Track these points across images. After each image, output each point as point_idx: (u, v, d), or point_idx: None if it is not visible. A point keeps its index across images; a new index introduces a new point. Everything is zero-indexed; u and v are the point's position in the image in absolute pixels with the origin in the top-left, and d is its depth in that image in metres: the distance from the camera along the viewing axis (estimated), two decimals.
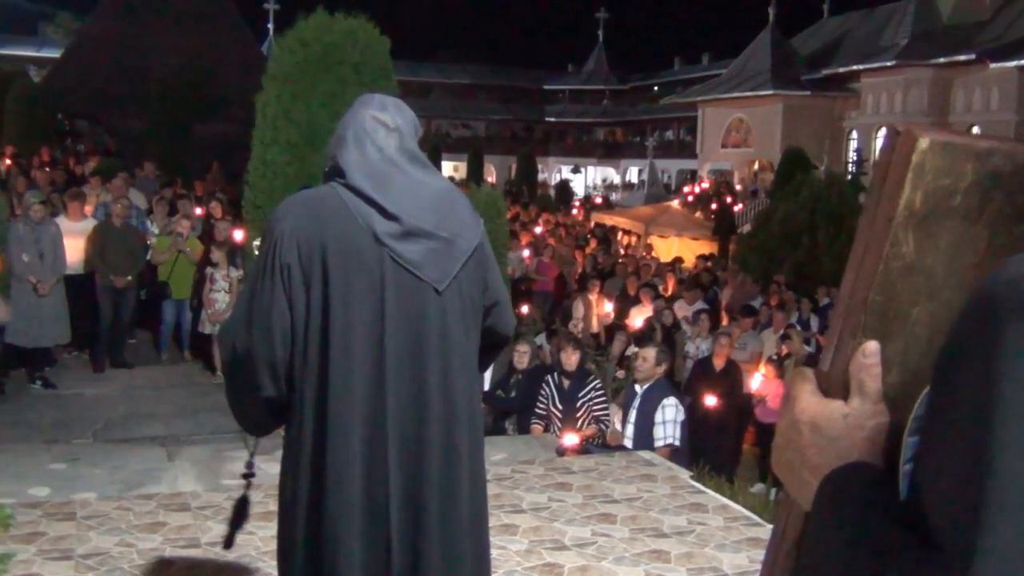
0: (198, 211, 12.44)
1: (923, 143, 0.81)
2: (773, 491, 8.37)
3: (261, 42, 33.21)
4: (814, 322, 12.42)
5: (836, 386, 0.86)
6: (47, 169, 15.52)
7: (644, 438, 6.46)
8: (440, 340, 2.23)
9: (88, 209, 11.05)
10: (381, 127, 2.30)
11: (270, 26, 44.26)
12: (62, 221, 9.69)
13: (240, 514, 2.57)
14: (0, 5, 49.71)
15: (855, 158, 32.29)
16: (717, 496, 5.22)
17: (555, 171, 51.71)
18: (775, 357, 9.59)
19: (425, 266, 2.20)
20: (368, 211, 2.18)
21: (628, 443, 6.52)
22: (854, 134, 34.57)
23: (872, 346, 0.84)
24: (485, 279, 2.36)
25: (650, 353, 6.81)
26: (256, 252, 2.30)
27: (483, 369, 2.58)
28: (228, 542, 2.61)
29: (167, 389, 9.07)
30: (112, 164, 17.66)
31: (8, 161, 16.83)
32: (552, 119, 57.34)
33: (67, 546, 4.18)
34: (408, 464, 2.18)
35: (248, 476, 2.51)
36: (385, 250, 2.17)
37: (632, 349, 9.53)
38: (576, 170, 52.22)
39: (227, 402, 2.38)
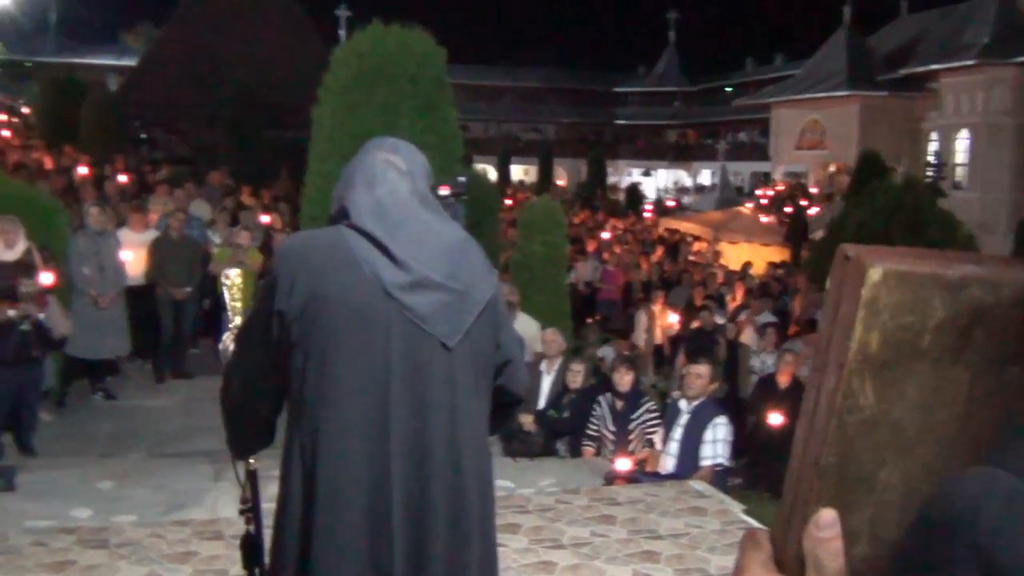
0: (264, 219, 12.54)
1: (874, 275, 0.64)
2: None
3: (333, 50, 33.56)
4: None
5: (790, 562, 0.70)
6: (120, 178, 15.81)
7: (689, 457, 6.21)
8: (448, 398, 2.07)
9: (152, 219, 11.20)
10: (392, 169, 2.18)
11: (342, 32, 44.75)
12: (125, 233, 9.82)
13: (251, 552, 2.44)
14: (81, 14, 51.30)
15: (935, 161, 31.30)
16: None
17: (625, 174, 51.30)
18: None
19: (435, 320, 2.05)
20: (376, 258, 2.04)
21: (670, 461, 6.27)
22: (934, 135, 33.48)
23: (827, 517, 0.68)
24: (497, 336, 2.21)
25: (704, 369, 6.56)
26: None
27: (494, 432, 2.42)
28: None
29: None
30: (182, 172, 17.98)
31: (83, 170, 17.21)
32: (622, 122, 56.91)
33: None
34: (413, 527, 2.03)
35: (245, 511, 2.39)
36: (393, 303, 2.02)
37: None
38: (647, 173, 51.75)
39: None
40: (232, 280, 2.46)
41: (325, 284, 2.02)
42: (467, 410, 2.11)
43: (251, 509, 2.39)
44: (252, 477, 2.39)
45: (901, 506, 0.69)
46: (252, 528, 2.43)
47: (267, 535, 2.38)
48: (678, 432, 6.26)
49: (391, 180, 2.15)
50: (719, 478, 5.99)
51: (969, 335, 0.66)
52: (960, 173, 30.70)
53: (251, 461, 2.41)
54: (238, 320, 2.43)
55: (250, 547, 2.46)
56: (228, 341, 2.37)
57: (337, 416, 2.01)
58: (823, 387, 0.67)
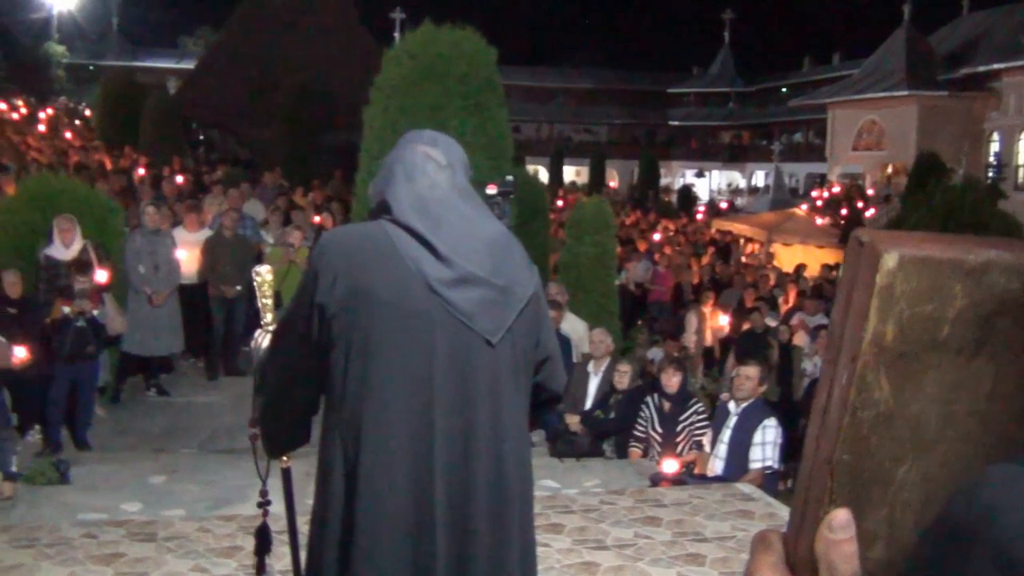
0: (317, 219, 12.66)
1: (889, 261, 0.60)
2: None
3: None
4: None
5: (803, 565, 0.67)
6: (177, 179, 16.08)
7: (738, 460, 6.12)
8: (490, 395, 2.05)
9: (206, 218, 11.36)
10: (431, 162, 2.15)
11: (397, 35, 45.07)
12: (180, 232, 9.98)
13: (263, 543, 2.51)
14: (143, 19, 52.34)
15: (995, 162, 30.58)
16: None
17: (678, 175, 50.93)
18: None
19: (478, 316, 2.02)
20: (419, 253, 2.01)
21: (719, 464, 6.18)
22: (995, 136, 32.74)
23: (841, 518, 0.65)
24: (538, 332, 2.18)
25: (753, 371, 6.46)
26: None
27: (532, 428, 2.40)
28: (259, 569, 2.66)
29: None
30: (237, 173, 18.24)
31: (141, 171, 17.54)
32: (676, 123, 56.51)
33: (143, 569, 4.20)
34: (456, 524, 2.01)
35: (264, 505, 2.42)
36: (437, 299, 2.00)
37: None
38: (700, 174, 51.32)
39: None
40: (263, 277, 2.45)
41: (367, 279, 2.00)
42: (509, 407, 2.09)
43: (270, 502, 2.42)
44: (286, 475, 2.40)
45: (919, 506, 0.66)
46: (269, 521, 2.54)
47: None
48: (727, 434, 6.18)
49: (431, 173, 2.13)
50: (768, 481, 5.91)
51: (992, 325, 0.62)
52: (1022, 174, 29.98)
53: (284, 459, 2.42)
54: (269, 317, 2.42)
55: (264, 538, 2.52)
56: (260, 338, 2.36)
57: (380, 412, 1.99)
58: (835, 381, 0.64)
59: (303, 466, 2.93)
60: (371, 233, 2.08)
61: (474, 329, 2.02)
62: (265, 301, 2.44)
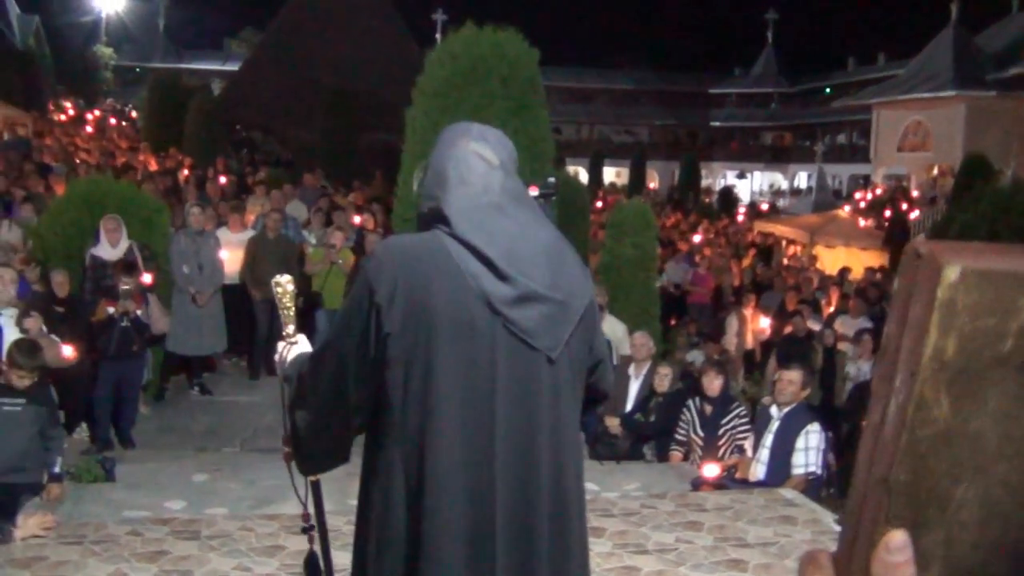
0: (357, 220, 12.73)
1: (951, 274, 0.58)
2: None
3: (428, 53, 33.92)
4: None
5: None
6: (220, 180, 16.26)
7: (780, 465, 6.04)
8: (551, 411, 2.02)
9: (249, 219, 11.48)
10: (482, 163, 2.07)
11: (438, 36, 45.24)
12: (223, 232, 10.08)
13: (314, 572, 2.44)
14: (188, 21, 53.02)
15: None
16: None
17: (720, 177, 50.57)
18: None
19: (539, 334, 1.98)
20: (479, 270, 1.95)
21: (761, 469, 6.11)
22: None
23: (899, 539, 0.62)
24: (591, 339, 2.14)
25: (796, 375, 6.37)
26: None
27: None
28: None
29: None
30: (280, 174, 18.40)
31: (186, 172, 17.76)
32: (717, 123, 56.11)
33: (187, 567, 4.25)
34: (517, 546, 1.98)
35: (309, 530, 2.37)
36: (498, 317, 1.95)
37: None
38: (742, 176, 50.91)
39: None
40: (283, 286, 2.36)
41: (428, 295, 1.94)
42: (568, 419, 2.07)
43: (314, 527, 2.35)
44: (316, 489, 2.36)
45: (978, 527, 0.63)
46: (316, 548, 2.41)
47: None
48: (769, 439, 6.11)
49: (483, 176, 2.06)
50: (811, 487, 5.83)
51: None
52: None
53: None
54: (291, 328, 2.32)
55: (314, 567, 2.44)
56: (284, 351, 2.27)
57: (443, 431, 1.94)
58: (892, 398, 0.62)
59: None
60: (429, 246, 2.00)
61: (535, 347, 1.98)
62: (286, 312, 2.35)
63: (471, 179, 2.05)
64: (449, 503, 1.94)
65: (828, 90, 51.37)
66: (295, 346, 2.28)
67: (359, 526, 2.10)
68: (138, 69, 48.91)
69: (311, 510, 2.46)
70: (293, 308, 2.35)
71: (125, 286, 7.36)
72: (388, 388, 1.97)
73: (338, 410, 2.06)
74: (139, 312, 7.43)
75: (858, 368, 9.94)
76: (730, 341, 12.14)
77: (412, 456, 1.96)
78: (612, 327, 8.48)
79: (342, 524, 4.80)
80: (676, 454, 6.96)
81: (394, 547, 1.99)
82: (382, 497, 2.01)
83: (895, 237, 21.93)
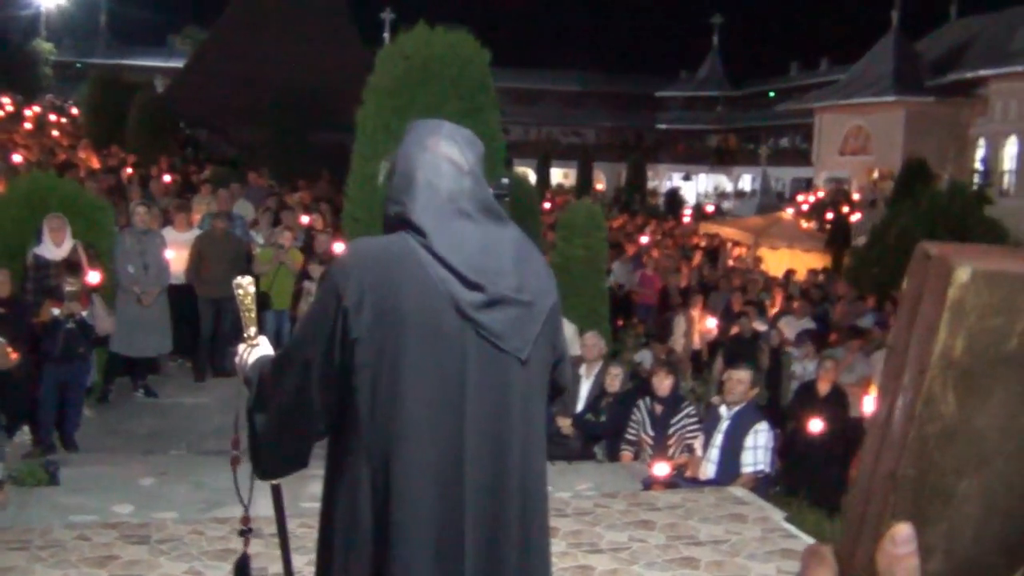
0: (305, 220, 12.62)
1: (962, 274, 0.60)
2: None
3: (376, 52, 33.74)
4: None
5: None
6: (164, 178, 16.01)
7: (730, 464, 6.13)
8: (522, 414, 2.03)
9: (195, 219, 11.32)
10: (452, 167, 2.06)
11: (386, 35, 45.01)
12: (168, 231, 9.92)
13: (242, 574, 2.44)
14: (130, 17, 52.10)
15: (982, 168, 30.76)
16: (811, 541, 4.90)
17: (666, 179, 51.04)
18: None
19: (508, 336, 1.98)
20: (447, 276, 1.95)
21: (711, 468, 6.20)
22: (981, 142, 32.90)
23: (905, 532, 0.64)
24: (554, 338, 2.16)
25: (744, 375, 6.48)
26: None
27: None
28: None
29: None
30: (225, 173, 18.16)
31: (129, 170, 17.44)
32: (664, 126, 56.64)
33: (137, 572, 4.18)
34: (486, 556, 1.98)
35: (246, 533, 2.35)
36: (468, 322, 1.95)
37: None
38: (687, 178, 51.42)
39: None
40: (245, 288, 2.34)
41: (396, 300, 1.92)
42: (537, 420, 2.08)
43: (251, 531, 2.33)
44: (276, 493, 2.34)
45: (978, 520, 0.66)
46: (250, 551, 2.43)
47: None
48: (719, 438, 6.19)
49: (451, 180, 2.04)
50: (760, 485, 5.92)
51: None
52: (1008, 180, 30.17)
53: None
54: (252, 330, 2.28)
55: (244, 570, 2.44)
56: (244, 354, 2.23)
57: (411, 436, 1.94)
58: (900, 394, 0.64)
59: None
60: (399, 250, 1.98)
61: (505, 349, 1.98)
62: (247, 313, 2.33)
63: (439, 184, 2.03)
64: (416, 506, 1.93)
65: (772, 94, 52.13)
66: (256, 348, 2.24)
67: (323, 529, 2.08)
68: (79, 64, 47.95)
69: (254, 513, 2.46)
70: (254, 310, 2.31)
71: (70, 287, 7.22)
72: (355, 393, 1.95)
73: (301, 415, 2.03)
74: (84, 313, 7.29)
75: (803, 368, 10.11)
76: (677, 341, 12.25)
77: (378, 461, 1.95)
78: (563, 327, 8.51)
79: (295, 527, 4.77)
80: (627, 454, 7.02)
81: (362, 551, 1.98)
82: (348, 501, 1.99)
83: (837, 239, 22.36)
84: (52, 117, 29.27)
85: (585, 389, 7.74)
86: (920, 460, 0.63)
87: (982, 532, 0.65)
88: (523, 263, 2.05)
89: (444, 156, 2.07)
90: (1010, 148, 30.30)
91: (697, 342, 12.43)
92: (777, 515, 5.29)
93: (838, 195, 31.69)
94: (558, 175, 45.60)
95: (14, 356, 6.54)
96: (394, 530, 1.94)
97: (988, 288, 0.60)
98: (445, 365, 1.94)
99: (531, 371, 2.03)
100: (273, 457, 2.17)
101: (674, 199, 38.16)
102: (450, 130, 2.14)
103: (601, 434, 7.43)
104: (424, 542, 1.94)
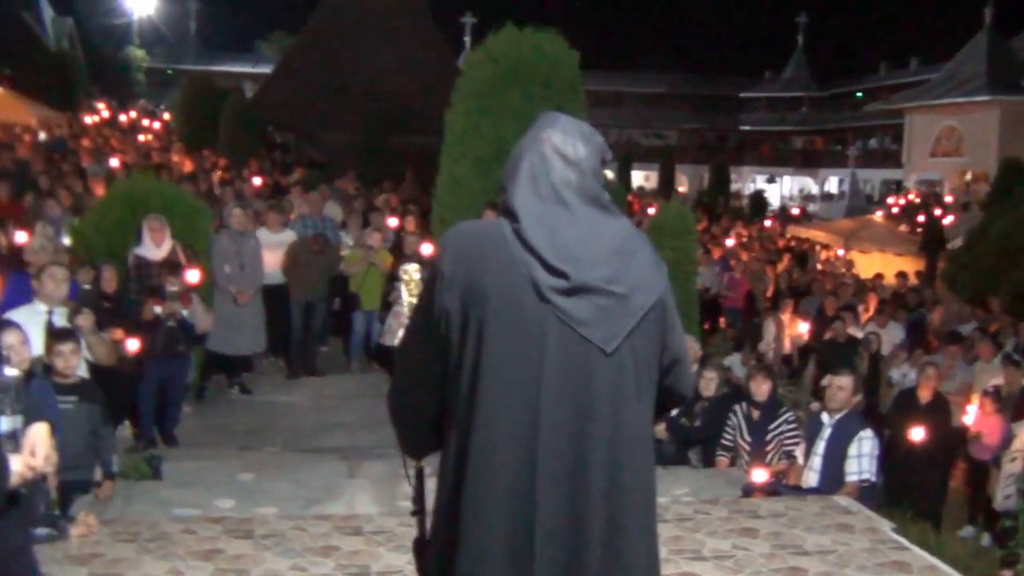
0: (392, 222, 12.71)
1: None
2: (985, 536, 7.66)
3: (458, 55, 33.95)
4: None
5: None
6: (254, 181, 16.30)
7: (833, 472, 5.94)
8: (611, 405, 1.99)
9: (289, 219, 11.47)
10: (560, 159, 2.06)
11: (467, 39, 45.30)
12: (262, 232, 10.09)
13: (422, 555, 2.37)
14: (220, 23, 53.39)
15: None
16: (923, 554, 4.72)
17: (749, 181, 50.27)
18: (991, 389, 8.74)
19: (592, 325, 1.96)
20: (530, 260, 1.97)
21: (813, 476, 6.02)
22: None
23: None
24: (664, 337, 2.10)
25: (846, 381, 6.27)
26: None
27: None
28: None
29: (354, 399, 9.18)
30: (315, 176, 18.43)
31: (220, 174, 17.82)
32: (747, 127, 55.84)
33: (242, 566, 4.22)
34: (562, 545, 1.95)
35: (417, 513, 2.32)
36: (548, 306, 1.95)
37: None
38: (771, 180, 50.57)
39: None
40: (410, 275, 2.41)
41: (481, 280, 1.98)
42: (631, 419, 2.02)
43: (418, 511, 2.32)
44: (419, 475, 2.34)
45: None
46: (420, 532, 2.35)
47: None
48: (820, 446, 6.01)
49: (558, 172, 2.05)
50: (865, 494, 5.74)
51: None
52: None
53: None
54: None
55: (420, 551, 2.38)
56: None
57: (486, 419, 1.96)
58: None
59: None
60: (490, 233, 2.05)
61: (588, 338, 1.96)
62: (411, 299, 2.42)
63: (542, 174, 2.05)
64: (490, 497, 1.95)
65: (859, 94, 50.99)
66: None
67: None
68: (170, 71, 49.30)
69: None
70: (416, 297, 2.40)
71: (172, 287, 7.38)
72: (451, 372, 2.04)
73: (413, 395, 2.18)
74: (185, 312, 7.45)
75: (903, 374, 9.83)
76: (768, 346, 12.05)
77: (460, 443, 2.00)
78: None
79: (394, 525, 4.78)
80: (723, 459, 6.89)
81: (440, 535, 2.06)
82: (442, 474, 2.06)
83: (931, 243, 21.70)
84: (145, 122, 30.11)
85: None
86: None
87: None
88: (625, 256, 2.03)
89: (553, 147, 2.08)
90: None
91: (788, 347, 12.19)
92: (885, 526, 5.12)
93: (930, 197, 30.81)
94: (639, 178, 45.26)
95: (136, 349, 6.80)
96: (466, 514, 1.97)
97: None
98: (523, 348, 1.97)
99: (622, 365, 2.00)
100: (404, 435, 2.27)
101: (758, 201, 37.51)
102: (565, 123, 2.14)
103: (695, 439, 7.30)
104: (493, 532, 1.95)
